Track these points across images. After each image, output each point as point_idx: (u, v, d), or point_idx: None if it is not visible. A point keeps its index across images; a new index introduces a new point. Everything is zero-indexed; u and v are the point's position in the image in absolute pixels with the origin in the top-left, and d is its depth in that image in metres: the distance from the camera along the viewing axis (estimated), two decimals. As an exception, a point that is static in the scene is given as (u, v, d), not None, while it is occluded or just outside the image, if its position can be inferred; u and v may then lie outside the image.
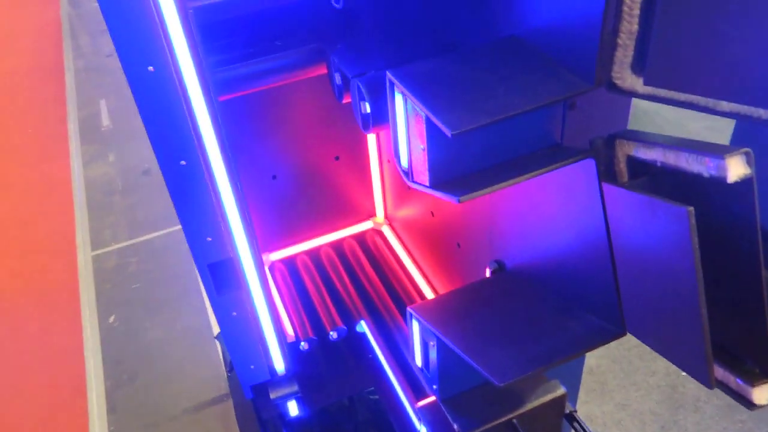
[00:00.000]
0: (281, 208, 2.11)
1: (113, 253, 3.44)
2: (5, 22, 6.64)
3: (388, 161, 2.08)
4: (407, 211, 2.09)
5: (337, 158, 2.05)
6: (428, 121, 0.89)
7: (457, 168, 0.97)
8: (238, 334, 1.66)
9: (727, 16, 0.75)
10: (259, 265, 1.55)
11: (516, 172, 0.92)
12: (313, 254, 2.24)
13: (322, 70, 1.45)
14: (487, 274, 1.45)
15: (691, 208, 0.74)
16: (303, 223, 2.20)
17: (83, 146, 4.50)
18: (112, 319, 3.02)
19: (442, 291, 1.98)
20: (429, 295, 2.01)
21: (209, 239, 1.44)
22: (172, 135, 1.25)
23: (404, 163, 1.04)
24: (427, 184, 0.97)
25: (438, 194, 0.95)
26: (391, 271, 2.14)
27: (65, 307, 3.10)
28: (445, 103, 0.87)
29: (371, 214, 2.28)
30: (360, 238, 2.28)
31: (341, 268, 2.16)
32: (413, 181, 1.02)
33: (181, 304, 3.10)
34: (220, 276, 1.52)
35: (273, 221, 2.14)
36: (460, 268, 1.75)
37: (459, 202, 0.88)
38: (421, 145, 0.94)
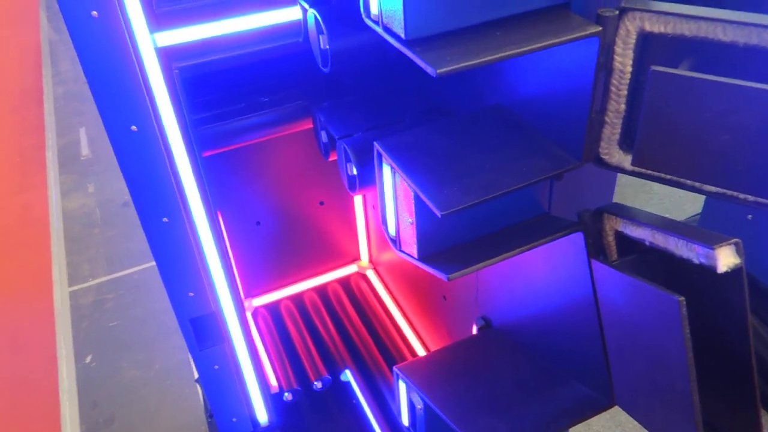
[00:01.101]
0: (265, 253, 2.08)
1: (91, 288, 3.36)
2: (-17, 47, 6.55)
3: (373, 207, 2.07)
4: (392, 256, 2.07)
5: (321, 203, 2.04)
6: (417, 198, 0.88)
7: (446, 241, 0.96)
8: (221, 387, 1.62)
9: (710, 105, 0.75)
10: (242, 318, 1.52)
11: (505, 246, 0.92)
12: (297, 299, 2.20)
13: (308, 125, 1.44)
14: (474, 330, 1.44)
15: (682, 299, 0.74)
16: (287, 268, 2.17)
17: (61, 176, 4.42)
18: (89, 359, 2.94)
19: (427, 340, 1.96)
20: (414, 343, 1.99)
21: (191, 294, 1.42)
22: (155, 192, 1.23)
23: (392, 231, 1.03)
24: (416, 256, 0.96)
25: (426, 268, 0.94)
26: (375, 316, 2.12)
27: (40, 346, 3.01)
28: (434, 179, 0.87)
29: (356, 258, 2.26)
30: (344, 282, 2.26)
31: (325, 314, 2.13)
32: (401, 251, 1.01)
33: (160, 343, 3.03)
34: (203, 331, 1.49)
35: (257, 266, 2.11)
36: (446, 320, 1.73)
37: (448, 280, 0.87)
38: (409, 219, 0.93)
